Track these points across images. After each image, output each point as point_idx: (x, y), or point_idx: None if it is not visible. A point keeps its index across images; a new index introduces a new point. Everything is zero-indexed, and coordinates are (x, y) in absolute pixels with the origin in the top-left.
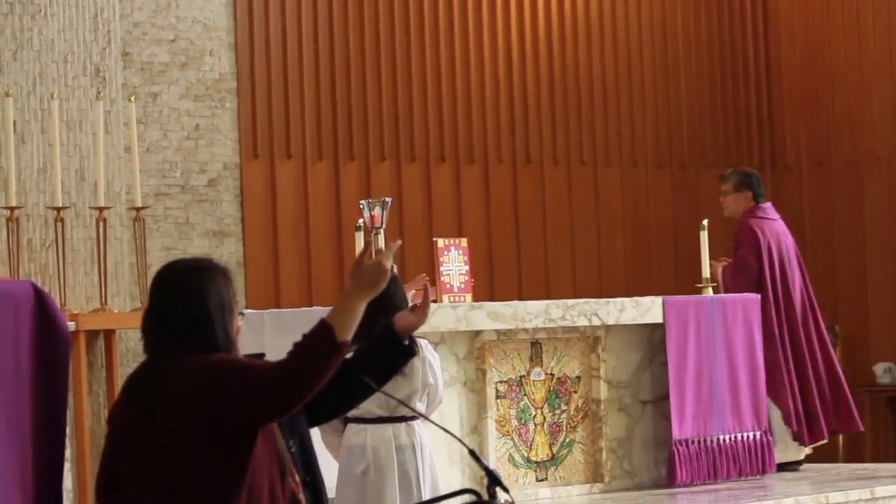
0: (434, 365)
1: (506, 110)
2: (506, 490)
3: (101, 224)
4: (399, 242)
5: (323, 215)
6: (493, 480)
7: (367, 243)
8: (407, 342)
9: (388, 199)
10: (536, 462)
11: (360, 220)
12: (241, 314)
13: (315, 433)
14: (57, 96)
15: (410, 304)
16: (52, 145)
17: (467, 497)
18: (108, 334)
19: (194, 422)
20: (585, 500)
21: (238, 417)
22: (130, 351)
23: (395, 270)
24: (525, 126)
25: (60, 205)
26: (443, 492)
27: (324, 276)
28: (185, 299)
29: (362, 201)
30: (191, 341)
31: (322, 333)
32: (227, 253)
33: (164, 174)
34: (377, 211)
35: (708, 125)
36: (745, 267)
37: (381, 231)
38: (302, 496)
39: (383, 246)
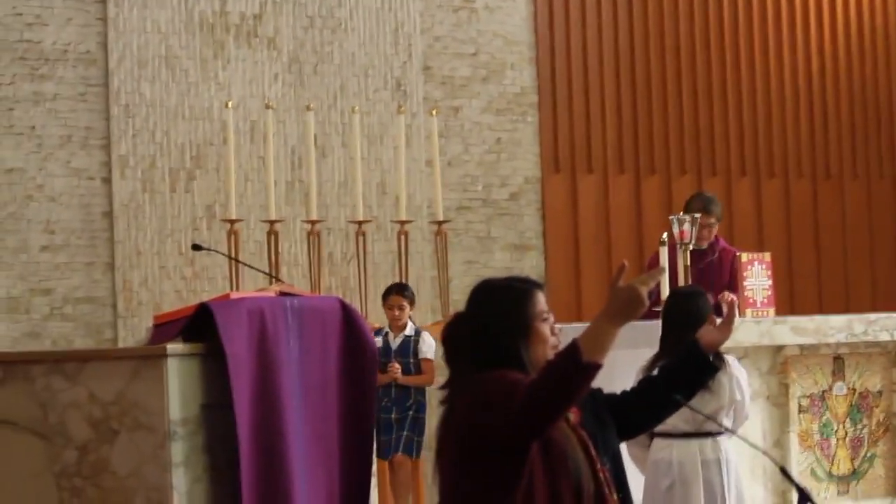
0: (741, 381)
1: (806, 124)
2: None
3: (403, 237)
4: (663, 268)
5: (624, 229)
6: (803, 497)
7: (621, 268)
8: (712, 358)
9: (699, 216)
10: (838, 476)
11: (665, 235)
12: (559, 329)
13: (623, 448)
14: (358, 110)
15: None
16: (353, 159)
17: None
18: None
19: (467, 438)
20: None
21: (493, 437)
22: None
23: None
24: (825, 140)
25: (362, 218)
26: None
27: None
28: (473, 317)
29: (672, 216)
30: (477, 356)
31: (569, 354)
32: (529, 267)
33: (466, 188)
34: (686, 227)
35: None
36: None
37: (689, 247)
38: None
39: (688, 263)
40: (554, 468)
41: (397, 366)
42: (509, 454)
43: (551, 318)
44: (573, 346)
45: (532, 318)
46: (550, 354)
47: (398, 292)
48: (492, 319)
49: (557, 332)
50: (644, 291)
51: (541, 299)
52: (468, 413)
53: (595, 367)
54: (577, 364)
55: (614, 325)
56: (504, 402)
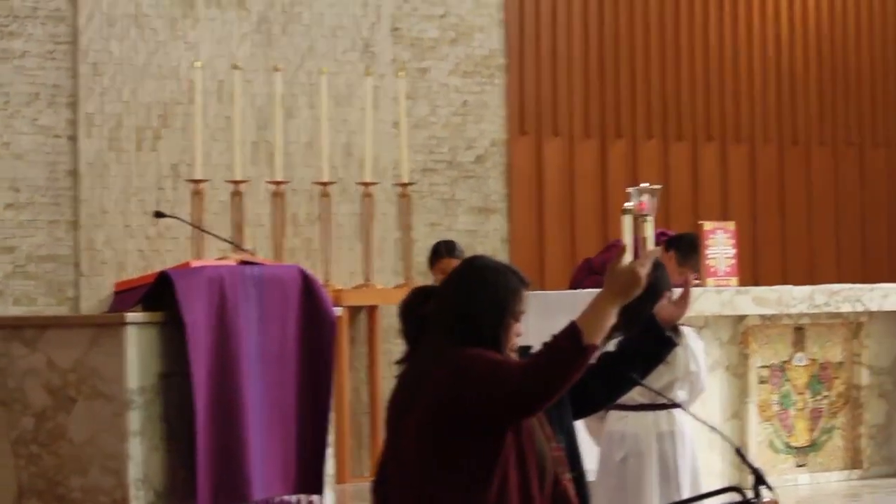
0: (697, 353)
1: (773, 90)
2: (770, 488)
3: (367, 199)
4: (659, 249)
5: (589, 193)
6: (759, 479)
7: (622, 246)
8: (669, 333)
9: (658, 187)
10: (796, 448)
11: (628, 204)
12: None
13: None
14: (325, 71)
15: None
16: (319, 120)
17: (731, 495)
18: (371, 310)
19: (447, 413)
20: (844, 486)
21: (484, 414)
22: (393, 327)
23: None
24: (792, 106)
25: (327, 180)
26: (702, 479)
27: (588, 255)
28: (462, 292)
29: (631, 189)
30: (455, 334)
31: (569, 336)
32: (492, 230)
33: (432, 150)
34: (646, 199)
35: None
36: None
37: (650, 219)
38: (573, 493)
39: (649, 234)
40: (524, 449)
41: None
42: (489, 434)
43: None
44: (574, 328)
45: (512, 315)
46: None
47: (448, 253)
48: (478, 302)
49: (521, 334)
50: (643, 272)
51: (525, 299)
52: (448, 389)
53: (594, 349)
54: (578, 346)
55: (613, 306)
56: (493, 380)
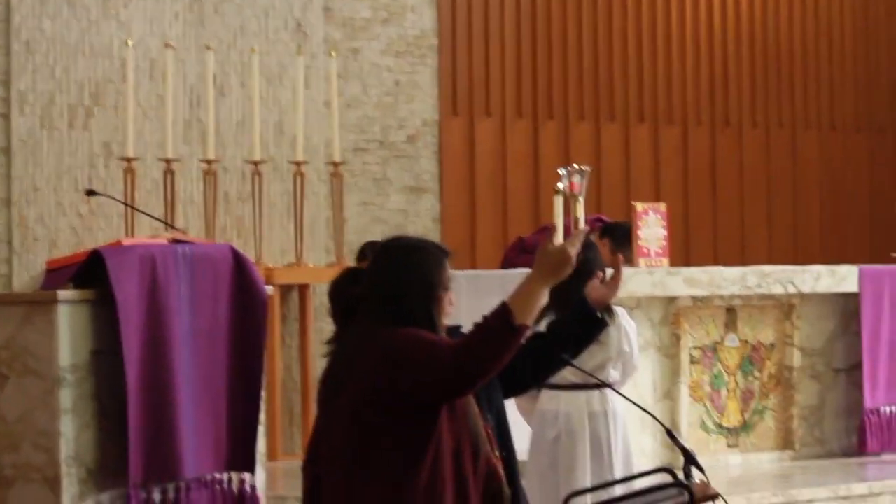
0: (630, 333)
1: (706, 72)
2: (701, 470)
3: (299, 178)
4: (588, 229)
5: (521, 174)
6: (689, 460)
7: (553, 228)
8: (600, 314)
9: (588, 168)
10: (728, 428)
11: (560, 184)
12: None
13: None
14: (257, 50)
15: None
16: (251, 99)
17: (662, 476)
18: (303, 288)
19: (379, 394)
20: (775, 466)
21: (417, 394)
22: (324, 305)
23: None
24: (724, 88)
25: (258, 158)
26: (634, 459)
27: (520, 235)
28: (388, 275)
29: (561, 169)
30: (386, 315)
31: (500, 316)
32: (424, 209)
33: (363, 129)
34: (577, 179)
35: None
36: None
37: (580, 199)
38: (502, 471)
39: (581, 215)
40: (457, 427)
41: None
42: (422, 413)
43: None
44: (505, 309)
45: (440, 286)
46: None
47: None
48: (404, 279)
49: (454, 304)
50: (573, 252)
51: (449, 267)
52: (380, 370)
53: (525, 329)
54: (509, 326)
55: (543, 286)
56: (427, 360)
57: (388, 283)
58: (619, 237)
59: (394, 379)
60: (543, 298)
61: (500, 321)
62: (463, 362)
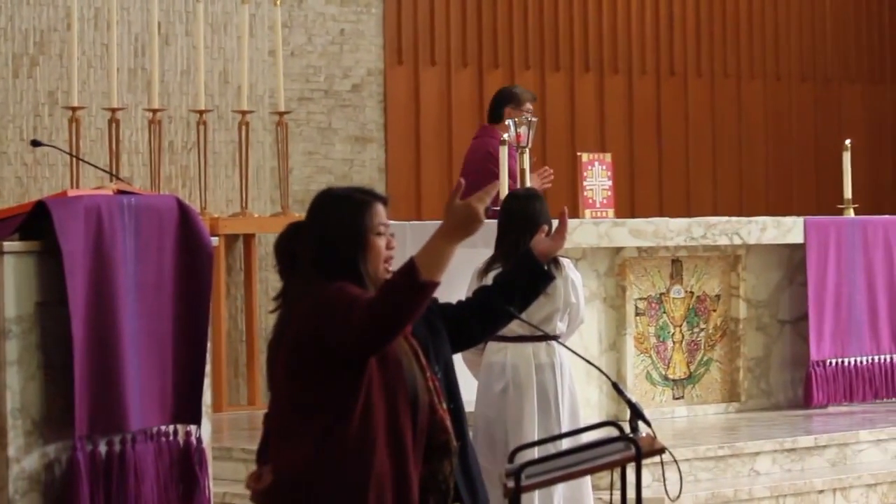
0: (576, 284)
1: (650, 21)
2: (648, 423)
3: (244, 128)
4: (497, 184)
5: (466, 123)
6: (636, 413)
7: (458, 185)
8: (547, 266)
9: (535, 119)
10: (674, 380)
11: (506, 135)
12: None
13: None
14: None
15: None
16: (196, 48)
17: (608, 429)
18: (248, 238)
19: (305, 348)
20: (721, 419)
21: (338, 349)
22: (269, 255)
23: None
24: (669, 38)
25: (203, 108)
26: (581, 412)
27: None
28: (315, 226)
29: (508, 120)
30: (318, 267)
31: (406, 273)
32: (369, 159)
33: (308, 79)
34: (523, 130)
35: (852, 39)
36: None
37: (527, 150)
38: (449, 423)
39: (527, 165)
40: (390, 380)
41: None
42: (348, 367)
43: (388, 232)
44: (411, 265)
45: (368, 231)
46: (384, 270)
47: None
48: (329, 230)
49: (394, 247)
50: (481, 209)
51: (380, 211)
52: (306, 323)
53: (432, 286)
54: (414, 282)
55: (451, 243)
56: (344, 317)
57: (318, 233)
58: None
59: (316, 332)
60: (452, 254)
61: (406, 278)
62: (372, 318)
